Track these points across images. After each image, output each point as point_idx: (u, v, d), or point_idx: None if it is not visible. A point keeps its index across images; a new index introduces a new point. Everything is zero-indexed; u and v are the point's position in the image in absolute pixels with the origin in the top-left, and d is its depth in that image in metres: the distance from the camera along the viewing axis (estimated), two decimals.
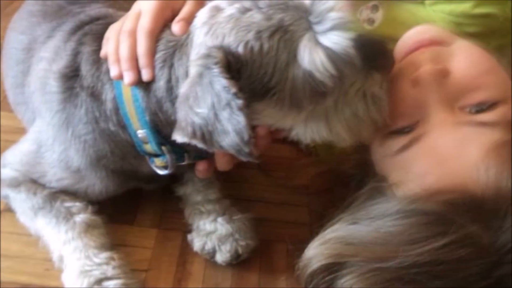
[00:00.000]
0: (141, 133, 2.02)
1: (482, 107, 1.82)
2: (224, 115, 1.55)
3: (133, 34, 1.98)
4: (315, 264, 1.60)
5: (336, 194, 2.29)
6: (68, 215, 2.14)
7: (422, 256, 1.37)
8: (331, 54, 1.58)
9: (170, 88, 1.92)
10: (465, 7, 2.57)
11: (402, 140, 1.92)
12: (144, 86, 1.97)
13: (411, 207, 1.58)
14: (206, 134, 1.64)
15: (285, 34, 1.63)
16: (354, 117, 1.81)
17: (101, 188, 2.23)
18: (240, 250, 2.12)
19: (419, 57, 2.01)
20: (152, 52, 1.96)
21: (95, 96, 2.12)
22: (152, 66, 1.94)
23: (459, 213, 1.47)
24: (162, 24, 2.03)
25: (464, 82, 1.88)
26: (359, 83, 1.77)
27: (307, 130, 1.84)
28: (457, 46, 2.06)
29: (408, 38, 2.12)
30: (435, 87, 1.88)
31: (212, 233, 2.17)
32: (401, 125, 1.95)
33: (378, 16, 2.64)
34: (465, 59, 1.98)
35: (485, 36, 2.50)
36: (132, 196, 2.43)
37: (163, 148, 2.03)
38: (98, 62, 2.16)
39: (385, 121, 1.89)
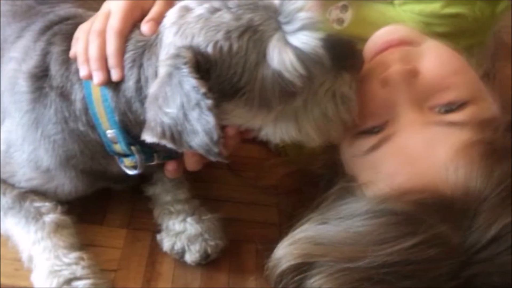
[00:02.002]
0: (110, 133, 2.02)
1: (451, 107, 1.84)
2: (194, 115, 1.55)
3: (102, 34, 1.98)
4: (284, 264, 1.61)
5: (306, 194, 2.30)
6: (38, 215, 2.13)
7: (392, 256, 1.37)
8: (300, 54, 1.58)
9: (139, 88, 1.92)
10: (434, 7, 2.59)
11: (371, 140, 1.93)
12: (114, 86, 1.98)
13: (381, 207, 1.58)
14: (176, 134, 1.64)
15: (254, 34, 1.63)
16: (323, 117, 1.82)
17: (70, 188, 2.23)
18: (209, 250, 2.14)
19: (388, 57, 2.02)
20: (121, 52, 1.96)
21: (64, 96, 2.12)
22: (121, 66, 1.94)
23: (429, 213, 1.48)
24: (132, 24, 2.04)
25: (434, 82, 1.90)
26: (329, 83, 1.78)
27: (276, 130, 1.85)
28: (426, 46, 2.08)
29: (378, 38, 2.13)
30: (404, 87, 1.89)
31: (182, 233, 2.18)
32: (370, 125, 1.95)
33: (348, 16, 2.65)
34: (435, 59, 1.99)
35: (455, 36, 2.53)
36: (101, 196, 2.44)
37: (132, 148, 2.03)
38: (68, 62, 2.16)
39: (354, 121, 1.90)
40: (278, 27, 1.64)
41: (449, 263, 1.37)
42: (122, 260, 2.14)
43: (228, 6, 1.67)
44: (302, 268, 1.57)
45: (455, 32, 2.61)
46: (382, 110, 1.94)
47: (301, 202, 2.22)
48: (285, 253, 1.64)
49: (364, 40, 2.15)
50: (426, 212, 1.48)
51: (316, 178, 2.32)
